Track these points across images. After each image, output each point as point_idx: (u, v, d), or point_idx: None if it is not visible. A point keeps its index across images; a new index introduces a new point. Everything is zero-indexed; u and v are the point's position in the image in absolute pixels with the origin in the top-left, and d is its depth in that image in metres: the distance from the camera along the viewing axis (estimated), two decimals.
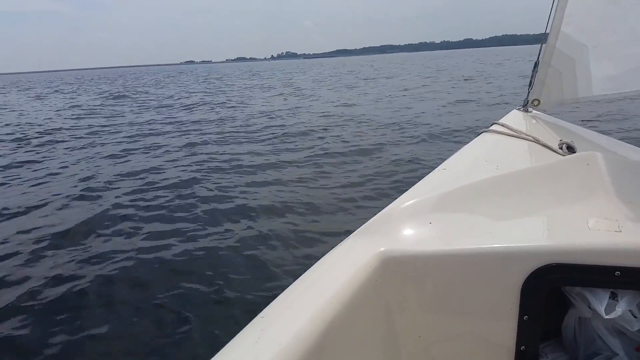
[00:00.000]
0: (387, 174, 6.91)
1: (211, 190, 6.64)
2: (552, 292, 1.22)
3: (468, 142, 2.16)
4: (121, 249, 4.73)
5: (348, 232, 1.33)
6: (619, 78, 2.23)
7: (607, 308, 1.12)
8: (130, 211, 5.90)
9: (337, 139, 10.16)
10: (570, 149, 1.83)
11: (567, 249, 1.10)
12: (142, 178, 7.49)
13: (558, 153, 1.84)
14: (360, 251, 1.18)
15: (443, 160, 1.89)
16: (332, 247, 1.26)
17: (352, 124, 12.15)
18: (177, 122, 14.53)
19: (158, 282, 4.09)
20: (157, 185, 7.04)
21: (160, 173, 7.79)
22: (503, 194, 1.42)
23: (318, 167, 7.69)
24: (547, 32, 2.38)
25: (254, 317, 0.96)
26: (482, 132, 2.23)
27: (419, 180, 1.63)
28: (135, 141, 11.35)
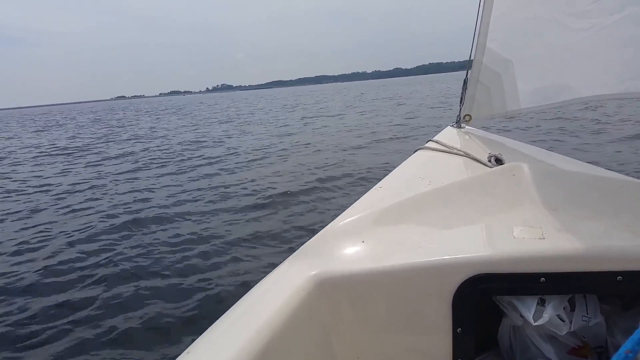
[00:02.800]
0: (329, 194, 6.91)
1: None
2: (485, 303, 1.24)
3: (404, 160, 2.18)
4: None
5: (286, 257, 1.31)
6: (543, 91, 2.33)
7: (535, 315, 1.15)
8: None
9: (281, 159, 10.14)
10: (499, 161, 1.88)
11: (493, 258, 1.12)
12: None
13: (487, 165, 1.89)
14: (295, 275, 1.16)
15: (380, 178, 1.91)
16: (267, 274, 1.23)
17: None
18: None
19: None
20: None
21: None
22: (434, 208, 1.44)
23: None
24: (473, 48, 2.46)
25: (180, 354, 0.90)
26: (417, 150, 2.26)
27: (357, 199, 1.64)
28: None
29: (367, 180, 7.42)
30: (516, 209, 1.38)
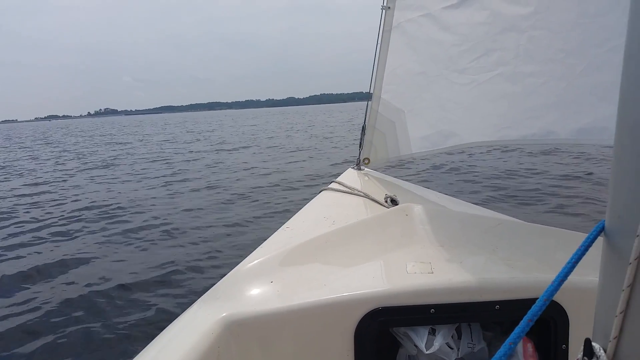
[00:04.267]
0: (235, 235, 6.76)
1: None
2: (384, 335, 1.32)
3: (310, 200, 2.30)
4: None
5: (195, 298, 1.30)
6: (432, 137, 2.59)
7: (427, 344, 1.25)
8: None
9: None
10: (394, 202, 2.07)
11: (389, 292, 1.23)
12: None
13: (384, 206, 2.07)
14: (203, 318, 1.17)
15: (288, 219, 1.98)
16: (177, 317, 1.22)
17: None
18: None
19: None
20: None
21: None
22: (337, 247, 1.53)
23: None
24: (370, 100, 2.69)
25: None
26: (322, 190, 2.40)
27: (265, 240, 1.69)
28: None
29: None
30: (409, 246, 1.52)
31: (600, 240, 0.76)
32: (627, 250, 0.68)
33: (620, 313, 0.70)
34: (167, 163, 15.87)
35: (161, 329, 1.17)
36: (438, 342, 1.25)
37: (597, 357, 0.73)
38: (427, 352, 1.25)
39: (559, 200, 7.03)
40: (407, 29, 2.51)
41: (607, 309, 0.73)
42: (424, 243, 1.53)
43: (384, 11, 2.51)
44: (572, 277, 1.15)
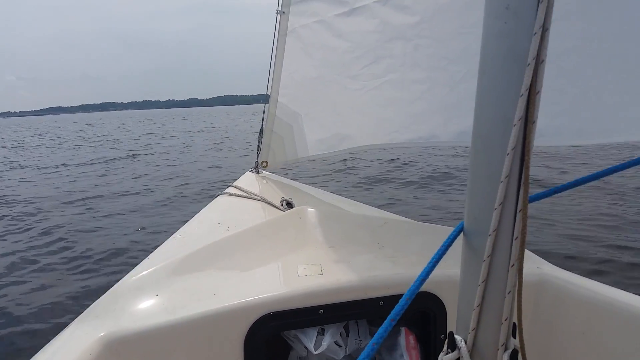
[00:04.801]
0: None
1: None
2: (276, 340, 1.35)
3: (206, 206, 2.25)
4: None
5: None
6: (328, 140, 2.65)
7: (315, 344, 1.29)
8: None
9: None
10: (289, 205, 2.10)
11: (280, 297, 1.24)
12: None
13: (280, 209, 2.09)
14: (81, 338, 1.10)
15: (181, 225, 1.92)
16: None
17: None
18: None
19: None
20: None
21: None
22: (231, 254, 1.52)
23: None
24: (267, 103, 2.70)
25: None
26: (218, 195, 2.36)
27: (154, 250, 1.63)
28: None
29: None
30: (302, 248, 1.55)
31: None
32: (482, 248, 0.76)
33: (477, 306, 0.78)
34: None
35: (30, 355, 1.06)
36: (326, 342, 1.29)
37: (459, 349, 0.80)
38: (316, 352, 1.28)
39: (443, 197, 7.56)
40: (302, 35, 2.56)
41: (466, 303, 0.81)
42: (315, 245, 1.57)
43: (278, 15, 2.53)
44: (449, 271, 1.25)
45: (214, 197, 2.39)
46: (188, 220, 2.00)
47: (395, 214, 2.23)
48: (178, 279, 1.38)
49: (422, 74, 2.23)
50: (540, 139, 1.54)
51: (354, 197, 4.88)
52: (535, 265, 1.46)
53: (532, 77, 0.71)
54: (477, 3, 1.98)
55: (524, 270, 0.75)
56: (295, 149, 2.73)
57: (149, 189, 10.02)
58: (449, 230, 1.66)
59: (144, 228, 6.87)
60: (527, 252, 1.31)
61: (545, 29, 0.69)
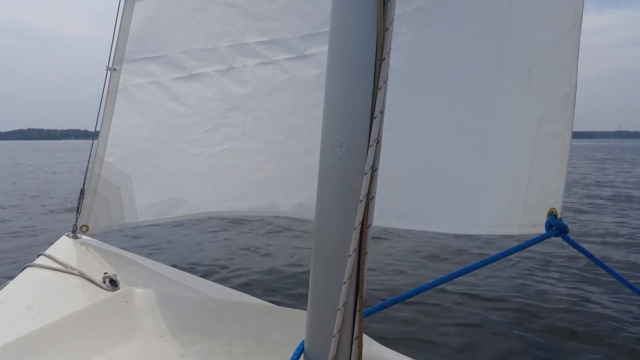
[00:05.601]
0: None
1: None
2: None
3: (10, 281, 1.90)
4: None
5: None
6: (160, 205, 2.51)
7: None
8: None
9: None
10: (113, 283, 1.89)
11: None
12: None
13: (103, 288, 1.87)
14: None
15: None
16: None
17: None
18: None
19: None
20: None
21: None
22: (40, 351, 1.30)
23: None
24: (91, 160, 2.46)
25: None
26: (26, 267, 2.02)
27: None
28: None
29: None
30: (128, 341, 1.42)
31: None
32: None
33: None
34: None
35: None
36: None
37: None
38: None
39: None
40: (136, 94, 2.42)
41: None
42: (143, 336, 1.44)
43: (109, 72, 2.36)
44: None
45: (20, 269, 2.03)
46: None
47: (234, 288, 2.17)
48: None
49: (262, 145, 2.28)
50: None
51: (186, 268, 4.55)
52: None
53: (364, 212, 0.78)
54: (311, 86, 2.12)
55: None
56: (122, 214, 2.52)
57: None
58: (288, 312, 1.67)
59: None
60: None
61: (374, 169, 0.79)
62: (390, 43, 0.81)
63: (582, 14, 1.26)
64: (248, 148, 2.30)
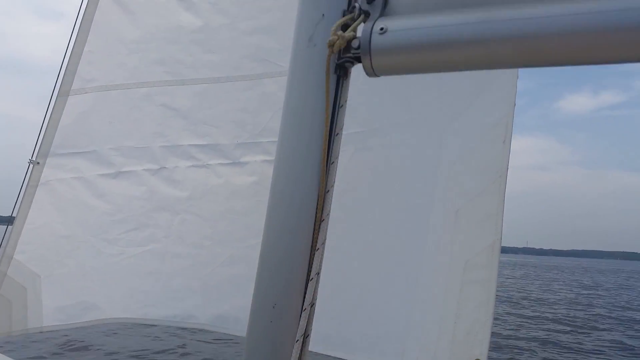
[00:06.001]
0: None
1: None
2: None
3: None
4: None
5: None
6: (69, 309, 2.29)
7: None
8: None
9: None
10: None
11: None
12: None
13: None
14: None
15: None
16: None
17: None
18: None
19: None
20: None
21: None
22: None
23: None
24: None
25: None
26: None
27: None
28: None
29: None
30: None
31: None
32: None
33: None
34: None
35: None
36: None
37: None
38: None
39: None
40: (57, 189, 2.31)
41: None
42: None
43: (31, 165, 2.26)
44: None
45: None
46: None
47: None
48: None
49: (186, 249, 2.18)
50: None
51: None
52: None
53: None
54: (242, 193, 2.08)
55: None
56: (25, 318, 2.28)
57: None
58: None
59: None
60: None
61: (306, 335, 0.78)
62: (331, 204, 0.82)
63: (508, 168, 1.33)
64: (171, 251, 2.19)
